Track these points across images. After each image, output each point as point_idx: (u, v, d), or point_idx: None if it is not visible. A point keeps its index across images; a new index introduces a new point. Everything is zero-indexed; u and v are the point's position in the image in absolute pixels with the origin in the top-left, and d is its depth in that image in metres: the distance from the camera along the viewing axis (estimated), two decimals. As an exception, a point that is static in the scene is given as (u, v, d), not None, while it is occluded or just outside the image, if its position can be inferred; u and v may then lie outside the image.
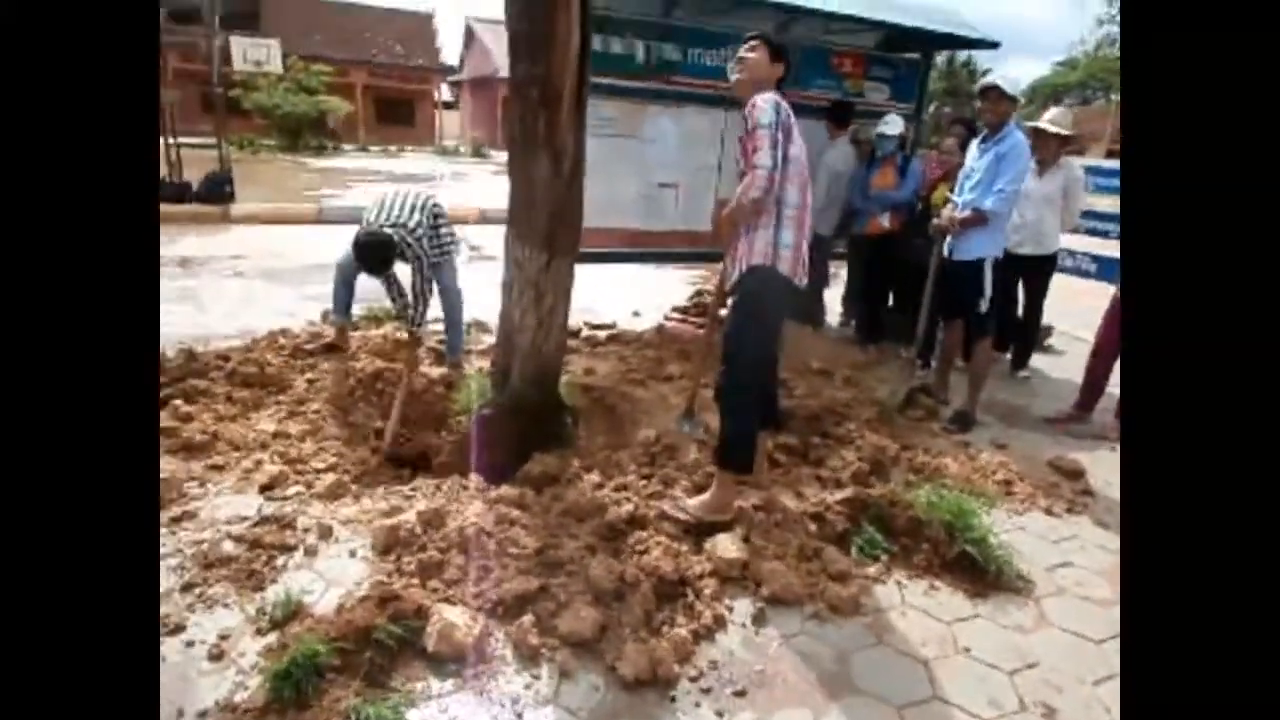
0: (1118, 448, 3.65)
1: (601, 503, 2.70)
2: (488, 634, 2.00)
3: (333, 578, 2.24)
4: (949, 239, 3.69)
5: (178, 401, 3.22)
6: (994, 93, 3.45)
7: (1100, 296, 5.48)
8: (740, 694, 1.90)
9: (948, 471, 3.09)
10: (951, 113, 5.56)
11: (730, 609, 2.20)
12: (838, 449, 3.10)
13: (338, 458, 3.18)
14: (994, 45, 5.26)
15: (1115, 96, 29.21)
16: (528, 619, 2.03)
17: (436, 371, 4.07)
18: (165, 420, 3.05)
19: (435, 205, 3.86)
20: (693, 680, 1.92)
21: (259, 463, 2.90)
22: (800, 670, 2.00)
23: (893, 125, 4.70)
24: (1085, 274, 5.36)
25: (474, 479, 2.91)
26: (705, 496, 2.57)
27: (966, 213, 3.53)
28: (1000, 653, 2.12)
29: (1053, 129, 4.01)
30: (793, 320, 3.82)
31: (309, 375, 3.75)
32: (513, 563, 2.29)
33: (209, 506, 2.59)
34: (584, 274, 4.65)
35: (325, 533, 2.46)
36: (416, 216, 3.66)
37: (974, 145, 3.67)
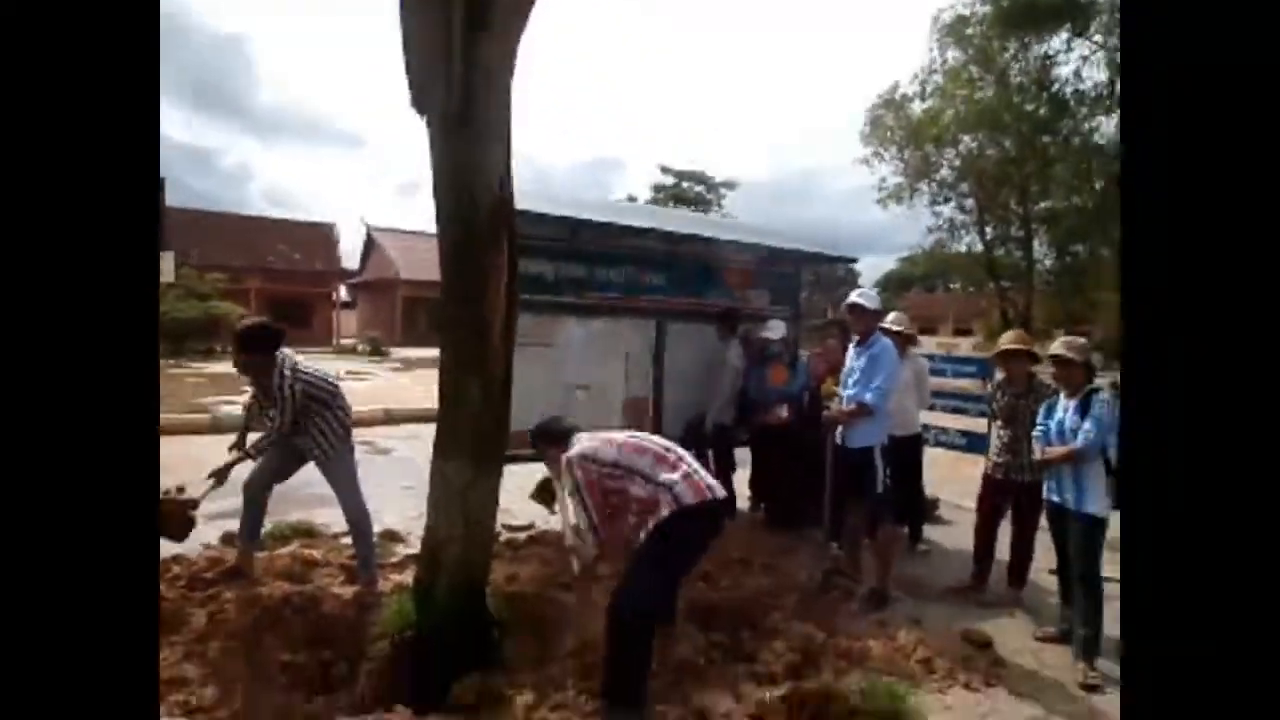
0: (1018, 613, 3.92)
1: (540, 721, 2.62)
2: None
3: None
4: (840, 429, 4.10)
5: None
6: (857, 309, 4.06)
7: (974, 465, 6.08)
8: None
9: (872, 654, 3.21)
10: (825, 319, 6.41)
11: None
12: (768, 642, 3.18)
13: (241, 701, 2.93)
14: (852, 260, 6.18)
15: (954, 285, 33.68)
16: None
17: (349, 591, 3.89)
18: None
19: (342, 399, 3.94)
20: None
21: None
22: None
23: (775, 330, 5.32)
24: (957, 448, 5.96)
25: (404, 712, 2.76)
26: None
27: (851, 406, 3.98)
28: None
29: (895, 328, 4.66)
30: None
31: (209, 608, 3.49)
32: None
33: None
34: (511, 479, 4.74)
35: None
36: (318, 381, 3.76)
37: (851, 348, 4.22)
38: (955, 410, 6.00)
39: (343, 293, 31.78)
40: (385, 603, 3.68)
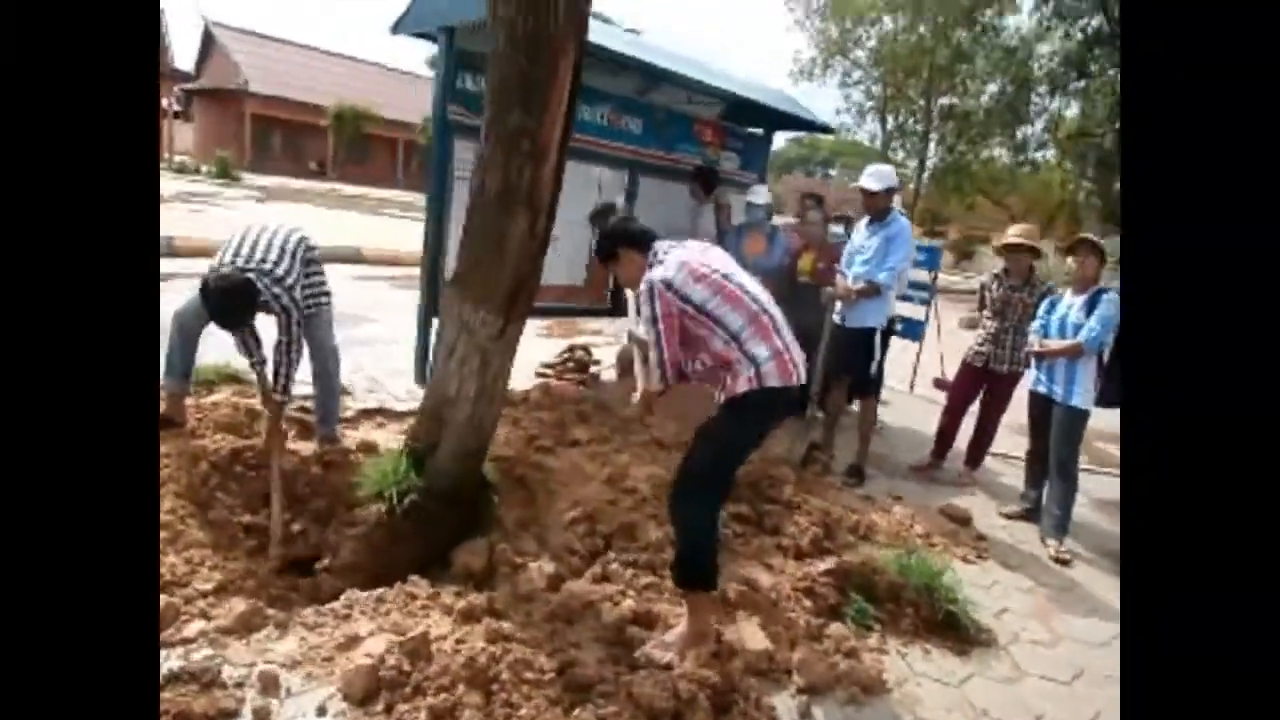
0: (978, 491, 4.20)
1: (587, 600, 2.44)
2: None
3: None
4: (840, 307, 4.01)
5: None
6: (869, 190, 3.87)
7: (909, 352, 6.34)
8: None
9: (877, 528, 3.29)
10: (807, 191, 6.14)
11: (773, 709, 2.09)
12: (789, 516, 3.15)
13: (217, 571, 2.51)
14: (828, 129, 5.91)
15: (833, 173, 34.51)
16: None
17: (306, 448, 3.42)
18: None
19: (308, 247, 3.26)
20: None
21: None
22: (871, 765, 1.95)
23: (761, 195, 5.03)
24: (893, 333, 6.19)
25: (420, 583, 2.48)
26: (683, 629, 2.23)
27: (861, 284, 3.87)
28: (1009, 708, 2.27)
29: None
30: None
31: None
32: (535, 692, 1.96)
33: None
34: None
35: (270, 684, 1.89)
36: (286, 262, 3.06)
37: (862, 226, 4.05)
38: (902, 298, 6.14)
39: (175, 99, 26.93)
40: (358, 461, 3.28)
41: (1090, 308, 3.48)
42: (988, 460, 4.47)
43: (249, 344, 3.06)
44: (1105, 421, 3.67)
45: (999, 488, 4.31)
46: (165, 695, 1.79)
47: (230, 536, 2.83)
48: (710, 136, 5.65)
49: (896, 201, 4.62)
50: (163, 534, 2.55)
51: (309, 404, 3.86)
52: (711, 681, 2.01)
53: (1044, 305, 3.76)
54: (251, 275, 2.90)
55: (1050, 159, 19.83)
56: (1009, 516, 3.85)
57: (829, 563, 2.71)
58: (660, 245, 2.35)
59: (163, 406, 3.23)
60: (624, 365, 5.60)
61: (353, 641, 2.09)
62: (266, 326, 3.06)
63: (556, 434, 3.97)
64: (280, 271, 2.98)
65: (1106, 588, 3.19)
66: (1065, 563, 3.37)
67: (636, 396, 2.52)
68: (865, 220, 4.05)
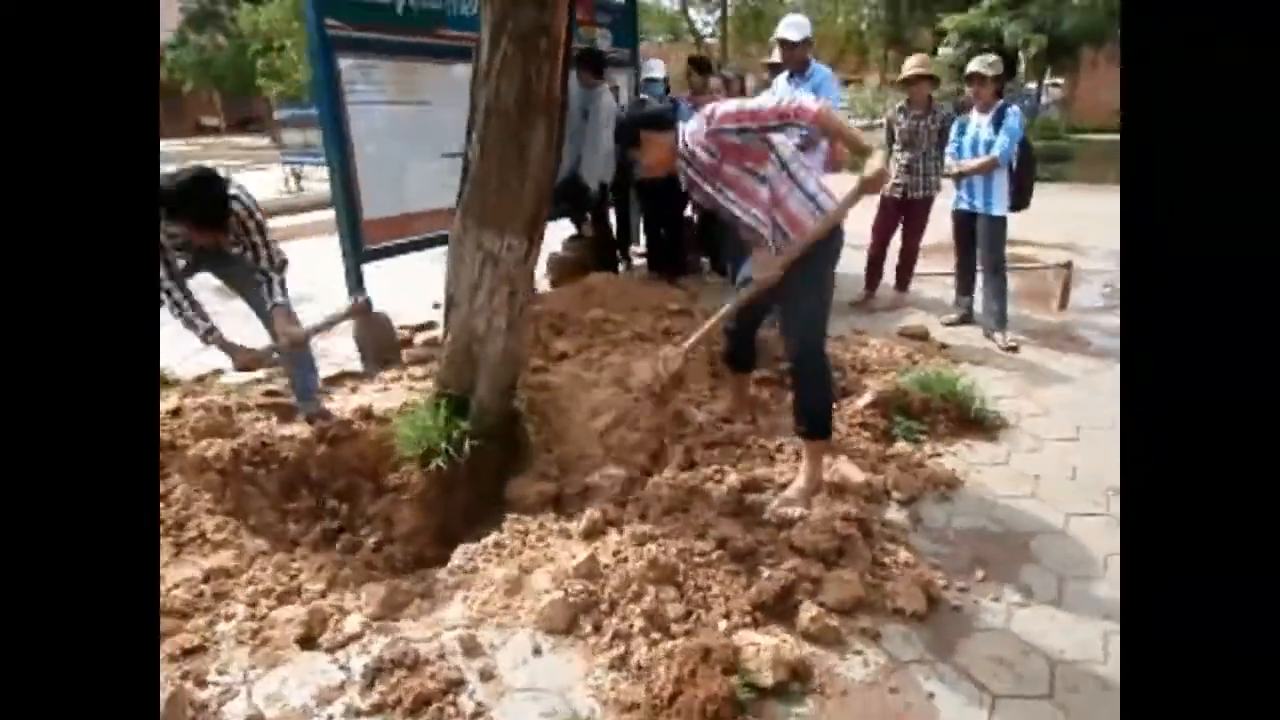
0: (916, 311, 4.69)
1: (694, 486, 2.56)
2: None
3: (571, 697, 1.75)
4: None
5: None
6: (790, 42, 3.95)
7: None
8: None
9: (871, 359, 3.65)
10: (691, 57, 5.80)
11: (894, 522, 2.38)
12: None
13: (307, 569, 2.36)
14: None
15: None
16: (808, 607, 1.92)
17: (298, 428, 3.13)
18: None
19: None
20: (961, 591, 2.09)
21: (258, 616, 1.99)
22: (993, 540, 2.31)
23: (658, 69, 4.94)
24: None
25: (524, 520, 2.47)
26: (803, 482, 2.41)
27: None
28: (1049, 468, 2.73)
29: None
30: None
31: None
32: (712, 571, 2.09)
33: (262, 699, 1.73)
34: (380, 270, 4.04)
35: (471, 646, 1.87)
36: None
37: (781, 81, 4.13)
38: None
39: None
40: (365, 430, 3.08)
41: (997, 125, 3.87)
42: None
43: (189, 312, 2.67)
44: (1014, 225, 4.19)
45: (927, 303, 4.83)
46: (381, 688, 1.73)
47: (278, 534, 2.63)
48: (582, 15, 5.35)
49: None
50: (229, 553, 2.33)
51: (274, 386, 3.52)
52: (856, 516, 2.25)
53: (954, 129, 4.12)
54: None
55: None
56: (950, 324, 4.37)
57: (867, 397, 2.99)
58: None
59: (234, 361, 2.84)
60: (557, 272, 5.48)
61: (516, 586, 2.09)
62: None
63: (539, 351, 3.91)
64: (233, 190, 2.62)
65: (1052, 358, 3.81)
66: (1014, 349, 3.94)
67: (767, 271, 2.37)
68: (784, 75, 4.12)
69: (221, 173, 2.63)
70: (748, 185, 2.30)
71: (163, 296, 2.58)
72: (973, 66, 3.93)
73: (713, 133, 2.23)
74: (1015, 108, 3.89)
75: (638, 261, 5.91)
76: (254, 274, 2.70)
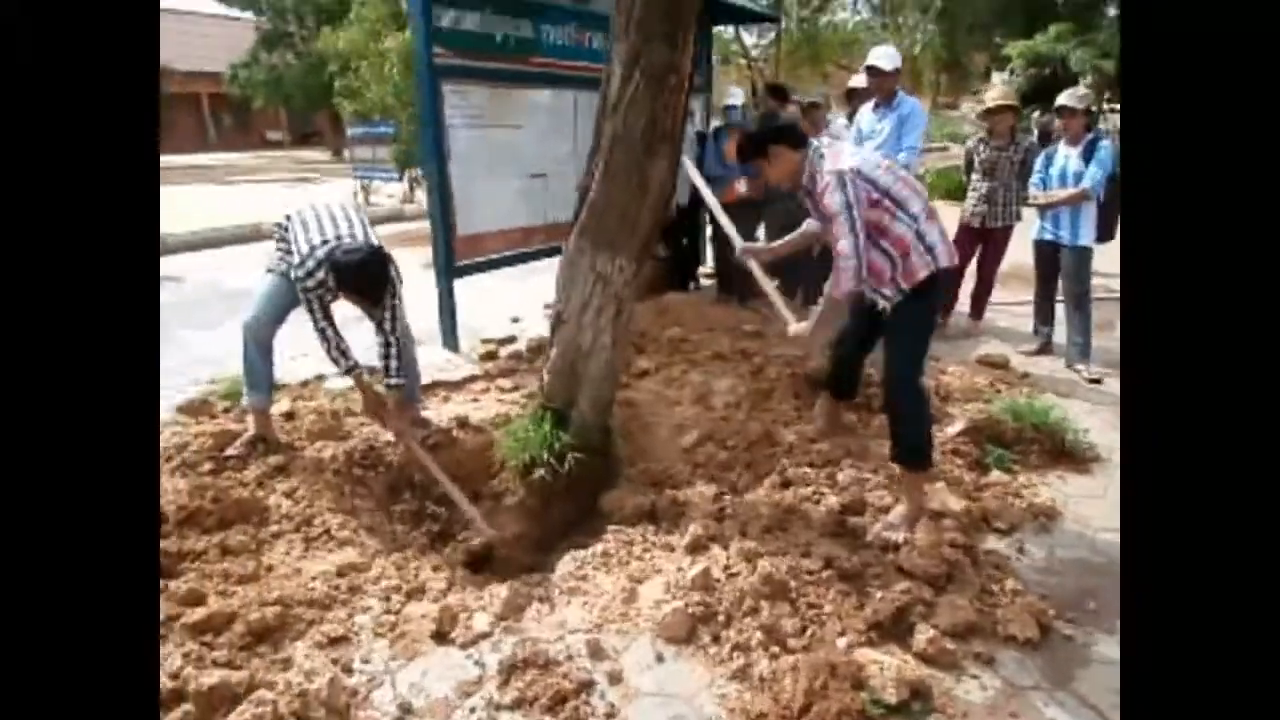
0: (992, 339, 4.68)
1: (791, 505, 2.62)
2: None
3: (698, 703, 1.82)
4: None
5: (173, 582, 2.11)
6: (881, 71, 4.01)
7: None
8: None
9: (954, 386, 3.66)
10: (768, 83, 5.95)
11: (996, 551, 2.41)
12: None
13: (425, 567, 2.47)
14: (774, 19, 5.90)
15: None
16: (923, 629, 1.96)
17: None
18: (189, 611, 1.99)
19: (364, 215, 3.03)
20: (1071, 621, 2.11)
21: (392, 611, 2.12)
22: (1098, 572, 2.32)
23: (736, 97, 5.06)
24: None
25: (628, 531, 2.55)
26: (904, 509, 2.45)
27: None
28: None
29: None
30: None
31: (280, 487, 2.73)
32: (822, 589, 2.14)
33: (406, 688, 1.84)
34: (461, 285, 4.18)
35: (596, 650, 1.96)
36: (364, 230, 2.84)
37: (867, 110, 4.20)
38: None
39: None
40: (462, 438, 3.21)
41: (1088, 156, 3.88)
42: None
43: (339, 346, 2.84)
44: (1101, 257, 4.18)
45: (1000, 331, 4.82)
46: (517, 685, 1.82)
47: (386, 534, 2.75)
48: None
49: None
50: (353, 550, 2.46)
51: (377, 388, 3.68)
52: (961, 543, 2.28)
53: (1039, 161, 4.14)
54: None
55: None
56: (1029, 354, 4.35)
57: (959, 424, 3.02)
58: (817, 142, 2.44)
59: (251, 428, 2.98)
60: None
61: (631, 595, 2.17)
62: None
63: (622, 369, 4.01)
64: (377, 241, 2.78)
65: (1137, 394, 3.77)
66: (1098, 381, 3.91)
67: (798, 325, 2.59)
68: (871, 104, 4.20)
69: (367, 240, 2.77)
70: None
71: (316, 335, 2.77)
72: (1062, 100, 3.95)
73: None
74: (1106, 141, 3.90)
75: (705, 283, 6.01)
76: (377, 334, 2.86)
